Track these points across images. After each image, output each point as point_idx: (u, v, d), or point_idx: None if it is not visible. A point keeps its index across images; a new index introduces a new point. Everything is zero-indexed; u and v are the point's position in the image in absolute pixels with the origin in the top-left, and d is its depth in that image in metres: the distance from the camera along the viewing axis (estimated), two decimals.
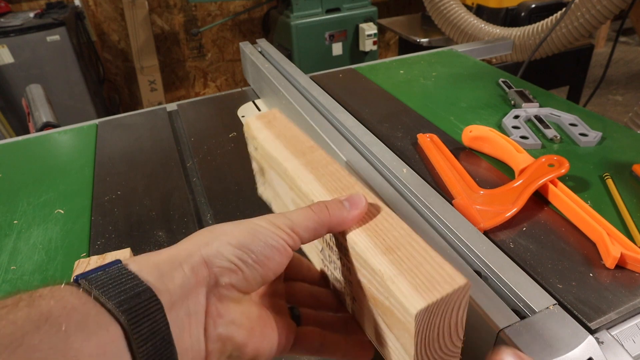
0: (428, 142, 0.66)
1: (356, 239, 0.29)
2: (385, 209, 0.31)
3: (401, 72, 0.97)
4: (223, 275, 0.26)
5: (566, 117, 0.71)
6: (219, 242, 0.26)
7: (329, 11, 2.22)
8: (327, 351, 0.32)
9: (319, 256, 0.36)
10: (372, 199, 0.32)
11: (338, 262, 0.32)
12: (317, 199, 0.32)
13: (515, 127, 0.70)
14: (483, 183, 0.58)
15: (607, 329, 0.39)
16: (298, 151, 0.37)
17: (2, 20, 2.07)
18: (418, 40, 1.92)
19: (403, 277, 0.26)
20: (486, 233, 0.50)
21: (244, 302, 0.28)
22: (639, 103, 1.25)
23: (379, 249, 0.28)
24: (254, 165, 0.44)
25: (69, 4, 2.30)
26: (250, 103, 0.92)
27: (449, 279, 0.25)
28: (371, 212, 0.30)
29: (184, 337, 0.24)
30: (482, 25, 1.58)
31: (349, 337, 0.33)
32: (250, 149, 0.43)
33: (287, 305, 0.33)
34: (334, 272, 0.34)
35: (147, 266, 0.24)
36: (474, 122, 0.73)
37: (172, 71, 2.78)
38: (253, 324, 0.28)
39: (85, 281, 0.23)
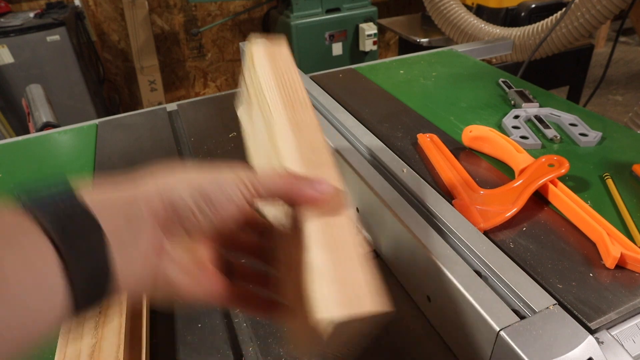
0: (428, 142, 0.66)
1: (308, 224, 0.29)
2: (347, 208, 0.30)
3: (401, 72, 0.97)
4: (177, 217, 0.26)
5: (566, 117, 0.71)
6: (181, 185, 0.26)
7: (329, 11, 2.22)
8: (252, 308, 0.33)
9: (272, 209, 0.36)
10: (340, 185, 0.31)
11: (286, 227, 0.32)
12: (289, 165, 0.32)
13: (515, 127, 0.70)
14: (483, 183, 0.58)
15: (607, 329, 0.39)
16: (289, 103, 0.36)
17: (2, 20, 2.07)
18: (418, 40, 1.92)
19: (329, 280, 0.26)
20: (486, 233, 0.50)
21: (190, 246, 0.28)
22: (639, 103, 1.25)
23: (321, 242, 0.28)
24: (244, 90, 0.42)
25: (69, 4, 2.30)
26: None
27: (370, 298, 0.25)
28: (333, 201, 0.30)
29: (124, 263, 0.24)
30: (482, 25, 1.58)
31: (276, 298, 0.33)
32: (245, 73, 0.42)
33: (227, 258, 0.33)
34: (279, 231, 0.34)
35: (98, 194, 0.24)
36: (474, 122, 0.73)
37: (172, 71, 2.78)
38: (193, 269, 0.28)
39: (26, 197, 0.23)
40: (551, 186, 0.54)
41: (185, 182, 0.27)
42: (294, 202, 0.29)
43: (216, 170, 0.28)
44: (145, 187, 0.26)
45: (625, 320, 0.40)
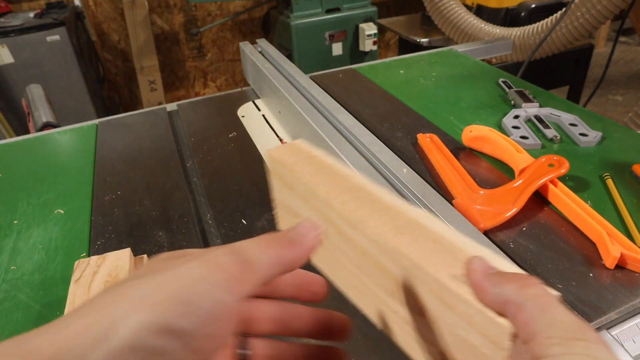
0: (428, 142, 0.66)
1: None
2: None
3: (401, 72, 0.97)
4: None
5: (566, 117, 0.71)
6: (133, 321, 0.17)
7: (329, 11, 2.22)
8: None
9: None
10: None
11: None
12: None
13: (515, 127, 0.70)
14: (483, 183, 0.58)
15: (607, 329, 0.39)
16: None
17: (2, 20, 2.07)
18: (418, 40, 1.92)
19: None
20: (486, 233, 0.50)
21: None
22: (639, 103, 1.25)
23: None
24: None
25: (69, 4, 2.30)
26: (250, 103, 0.92)
27: None
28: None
29: None
30: (482, 25, 1.58)
31: None
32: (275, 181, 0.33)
33: (237, 350, 0.24)
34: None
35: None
36: (474, 122, 0.73)
37: (172, 71, 2.78)
38: None
39: None
40: (551, 186, 0.54)
41: (139, 314, 0.17)
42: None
43: (181, 274, 0.18)
44: (86, 337, 0.17)
45: (625, 320, 0.40)
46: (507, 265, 0.21)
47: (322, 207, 0.29)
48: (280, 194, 0.33)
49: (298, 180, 0.31)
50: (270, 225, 0.56)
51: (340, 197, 0.28)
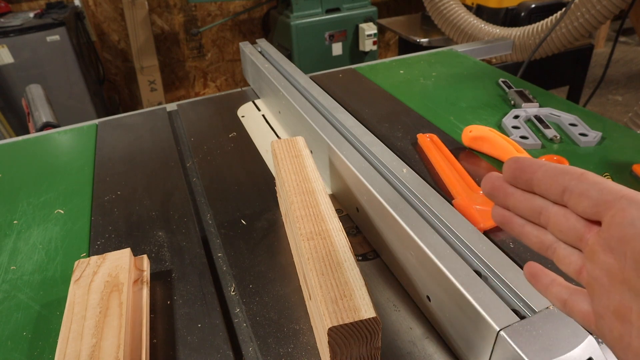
0: (428, 142, 0.66)
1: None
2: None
3: (401, 72, 0.97)
4: None
5: (566, 117, 0.71)
6: None
7: (328, 11, 2.22)
8: None
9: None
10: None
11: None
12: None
13: (515, 127, 0.70)
14: None
15: None
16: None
17: (2, 20, 2.07)
18: (418, 40, 1.92)
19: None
20: (486, 233, 0.50)
21: None
22: (639, 103, 1.25)
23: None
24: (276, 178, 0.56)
25: (69, 4, 2.30)
26: (250, 103, 0.92)
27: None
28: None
29: None
30: (482, 25, 1.58)
31: None
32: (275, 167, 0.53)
33: None
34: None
35: None
36: (474, 122, 0.73)
37: (172, 71, 2.78)
38: None
39: None
40: None
41: None
42: None
43: None
44: None
45: None
46: None
47: (284, 197, 0.45)
48: (275, 173, 0.50)
49: (278, 171, 0.48)
50: (270, 225, 0.56)
51: (294, 197, 0.44)
